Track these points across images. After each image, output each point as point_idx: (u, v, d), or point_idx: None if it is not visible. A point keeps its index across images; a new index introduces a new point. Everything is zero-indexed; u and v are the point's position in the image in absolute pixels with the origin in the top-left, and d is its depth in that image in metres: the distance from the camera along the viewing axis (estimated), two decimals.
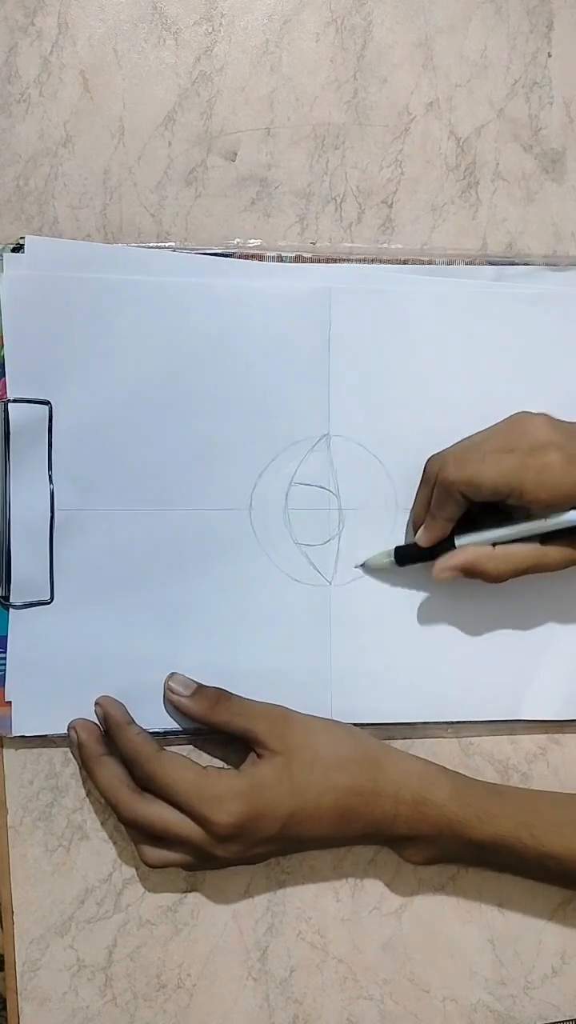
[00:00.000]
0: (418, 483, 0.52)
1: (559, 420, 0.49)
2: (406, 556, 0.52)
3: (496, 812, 0.50)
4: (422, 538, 0.51)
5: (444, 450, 0.51)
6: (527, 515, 0.50)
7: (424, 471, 0.51)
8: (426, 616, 0.54)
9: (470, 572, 0.50)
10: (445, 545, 0.51)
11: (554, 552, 0.50)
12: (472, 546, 0.50)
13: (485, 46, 0.55)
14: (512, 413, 0.50)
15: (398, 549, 0.52)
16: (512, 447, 0.48)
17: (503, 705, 0.54)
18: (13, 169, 0.51)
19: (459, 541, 0.51)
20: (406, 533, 0.54)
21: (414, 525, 0.53)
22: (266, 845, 0.48)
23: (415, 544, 0.52)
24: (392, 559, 0.52)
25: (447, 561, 0.50)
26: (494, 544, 0.50)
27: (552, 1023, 0.55)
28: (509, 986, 0.55)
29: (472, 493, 0.49)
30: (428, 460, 0.51)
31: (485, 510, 0.50)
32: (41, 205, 0.51)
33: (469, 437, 0.51)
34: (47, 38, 0.51)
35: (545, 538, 0.50)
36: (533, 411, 0.50)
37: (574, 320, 0.55)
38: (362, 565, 0.53)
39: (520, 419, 0.49)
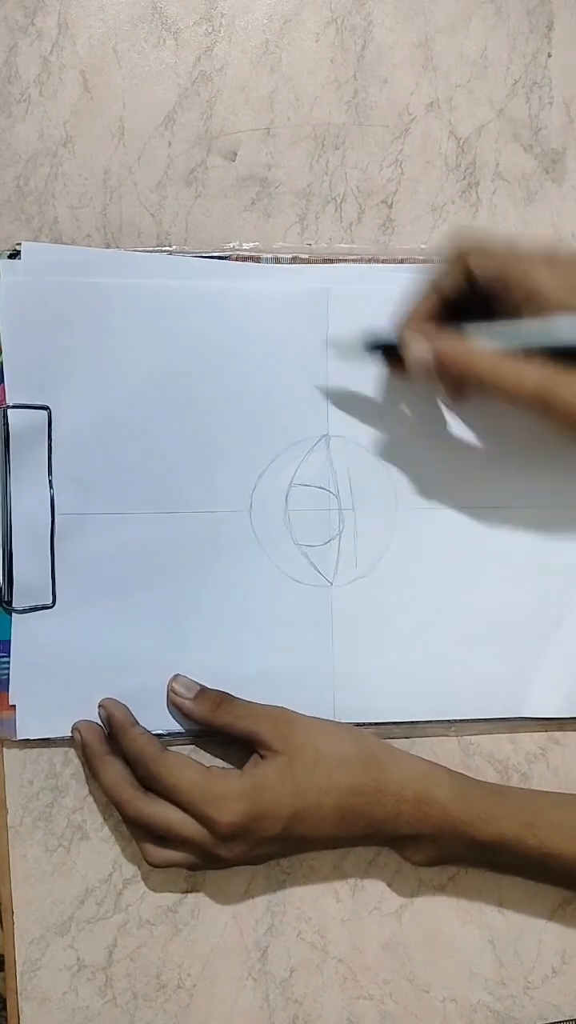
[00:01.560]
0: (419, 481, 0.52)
1: None
2: (378, 339, 0.50)
3: (498, 812, 0.50)
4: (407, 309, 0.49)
5: None
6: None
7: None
8: (427, 614, 0.54)
9: (444, 363, 0.47)
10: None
11: (531, 373, 0.46)
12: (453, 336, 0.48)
13: (485, 46, 0.55)
14: None
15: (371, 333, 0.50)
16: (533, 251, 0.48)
17: (506, 703, 0.54)
18: (13, 169, 0.51)
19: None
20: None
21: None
22: (269, 845, 0.48)
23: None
24: (364, 340, 0.50)
25: (424, 341, 0.48)
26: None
27: (552, 1023, 0.55)
28: (509, 986, 0.55)
29: (476, 263, 0.47)
30: None
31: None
32: (41, 205, 0.51)
33: None
34: (47, 38, 0.51)
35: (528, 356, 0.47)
36: None
37: None
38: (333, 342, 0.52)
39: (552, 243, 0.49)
